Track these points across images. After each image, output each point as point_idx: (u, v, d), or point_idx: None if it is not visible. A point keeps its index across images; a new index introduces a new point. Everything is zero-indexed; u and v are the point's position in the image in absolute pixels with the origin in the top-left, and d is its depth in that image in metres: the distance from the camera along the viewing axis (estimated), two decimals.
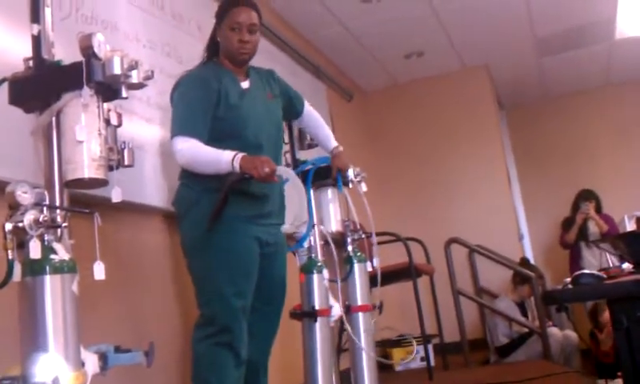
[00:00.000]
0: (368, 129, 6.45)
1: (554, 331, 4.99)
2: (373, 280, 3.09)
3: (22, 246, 1.34)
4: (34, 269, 1.34)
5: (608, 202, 6.24)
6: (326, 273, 2.65)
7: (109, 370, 1.45)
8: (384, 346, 5.18)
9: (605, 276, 2.96)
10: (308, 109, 2.80)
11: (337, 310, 2.69)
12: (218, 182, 2.25)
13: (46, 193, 1.41)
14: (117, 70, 1.50)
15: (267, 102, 2.54)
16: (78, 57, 1.50)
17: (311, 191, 2.71)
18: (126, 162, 1.61)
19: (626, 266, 3.19)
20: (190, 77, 2.43)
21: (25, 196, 1.35)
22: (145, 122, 2.75)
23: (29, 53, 1.53)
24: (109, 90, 1.53)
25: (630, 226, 6.21)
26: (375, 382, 2.91)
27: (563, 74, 6.88)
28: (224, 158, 2.23)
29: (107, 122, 1.56)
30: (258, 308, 2.45)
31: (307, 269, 2.64)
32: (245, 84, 2.50)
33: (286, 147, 2.86)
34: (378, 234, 2.86)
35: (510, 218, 6.31)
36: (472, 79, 6.40)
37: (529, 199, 7.40)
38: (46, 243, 1.36)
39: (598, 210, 6.11)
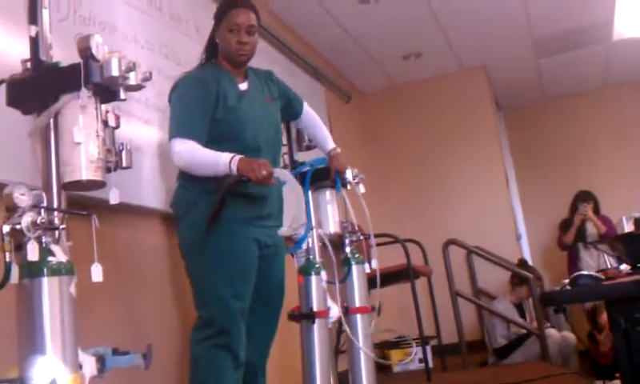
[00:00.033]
0: (366, 130, 6.45)
1: (552, 332, 4.99)
2: (371, 281, 3.09)
3: (19, 247, 1.34)
4: (32, 271, 1.33)
5: (606, 203, 6.24)
6: (324, 274, 2.66)
7: (106, 372, 1.45)
8: (382, 348, 5.18)
9: (603, 277, 2.96)
10: (307, 110, 2.80)
11: (335, 312, 2.69)
12: (216, 184, 2.25)
13: (43, 195, 1.40)
14: (115, 72, 1.49)
15: (265, 103, 2.54)
16: (76, 58, 1.49)
17: (309, 193, 2.71)
18: (124, 164, 1.61)
19: (624, 267, 3.20)
20: (188, 78, 2.43)
21: (22, 198, 1.35)
22: (143, 124, 2.75)
23: (26, 54, 1.52)
24: (107, 91, 1.53)
25: (628, 227, 6.22)
26: (373, 383, 2.91)
27: (561, 75, 6.89)
28: (222, 160, 2.23)
29: (105, 123, 1.56)
30: (256, 310, 2.44)
31: (305, 270, 2.64)
32: (243, 86, 2.50)
33: (284, 149, 2.86)
34: (375, 236, 2.86)
35: (508, 219, 6.32)
36: (470, 80, 6.41)
37: (527, 200, 7.41)
38: (43, 245, 1.36)
39: (596, 211, 6.11)
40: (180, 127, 2.32)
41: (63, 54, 1.56)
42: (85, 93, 1.47)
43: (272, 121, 2.54)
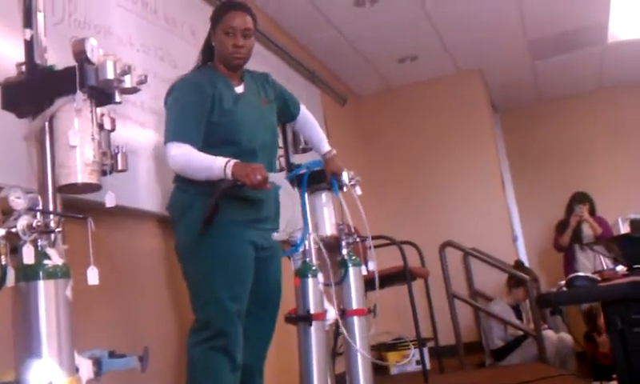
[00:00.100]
0: (362, 133, 6.46)
1: (549, 334, 4.99)
2: (368, 283, 3.09)
3: (15, 251, 1.33)
4: (28, 274, 1.33)
5: (602, 205, 6.26)
6: (320, 277, 2.65)
7: (103, 375, 1.45)
8: (379, 350, 5.18)
9: (599, 279, 2.97)
10: (303, 112, 2.80)
11: (332, 314, 2.69)
12: (212, 186, 2.25)
13: (39, 198, 1.40)
14: (110, 75, 1.49)
15: (262, 106, 2.54)
16: (71, 62, 1.49)
17: (306, 195, 2.71)
18: (120, 167, 1.61)
19: (620, 268, 3.21)
20: (184, 82, 2.43)
21: (18, 201, 1.35)
22: (139, 127, 2.75)
23: (21, 58, 1.52)
24: (102, 94, 1.53)
25: (624, 229, 6.22)
26: None
27: (556, 77, 6.91)
28: (216, 165, 2.23)
29: (100, 126, 1.55)
30: (253, 312, 2.44)
31: (302, 273, 2.63)
32: (239, 89, 2.50)
33: (280, 151, 2.86)
34: (372, 238, 2.86)
35: (505, 221, 6.33)
36: (466, 83, 6.42)
37: (523, 202, 7.42)
38: (39, 248, 1.35)
39: (592, 212, 6.12)
40: (175, 131, 2.33)
41: (58, 58, 1.56)
42: (80, 96, 1.46)
43: (268, 124, 2.54)
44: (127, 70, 1.52)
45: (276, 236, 2.33)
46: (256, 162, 2.32)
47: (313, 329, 2.58)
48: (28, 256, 1.32)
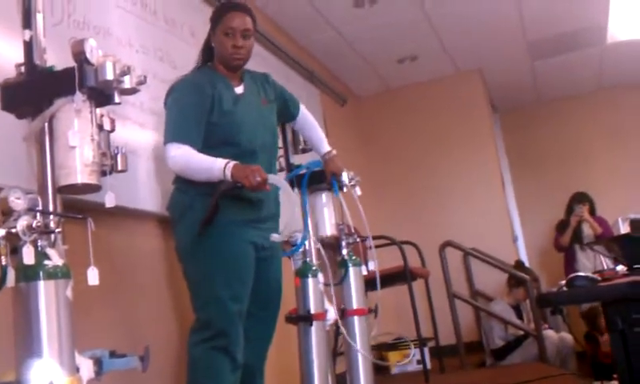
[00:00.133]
0: (362, 133, 6.46)
1: (549, 334, 5.00)
2: (368, 283, 3.09)
3: (15, 251, 1.34)
4: (28, 274, 1.33)
5: (602, 205, 6.26)
6: (321, 277, 2.66)
7: (104, 374, 1.45)
8: (380, 350, 5.18)
9: (599, 278, 2.97)
10: (303, 112, 2.80)
11: (332, 314, 2.70)
12: (212, 187, 2.25)
13: (39, 198, 1.40)
14: (109, 76, 1.50)
15: (261, 107, 2.54)
16: (71, 62, 1.50)
17: (306, 195, 2.71)
18: (120, 167, 1.61)
19: (620, 268, 3.20)
20: (183, 82, 2.43)
21: (18, 202, 1.35)
22: (138, 127, 2.75)
23: (21, 58, 1.52)
24: (101, 95, 1.53)
25: (624, 229, 6.22)
26: None
27: (556, 78, 6.91)
28: (216, 166, 2.23)
29: (100, 127, 1.56)
30: (253, 312, 2.44)
31: (302, 273, 2.64)
32: (239, 89, 2.50)
33: (280, 151, 2.86)
34: (372, 238, 2.86)
35: (505, 221, 6.33)
36: (465, 83, 6.42)
37: (523, 202, 7.42)
38: (39, 249, 1.36)
39: (592, 212, 6.12)
40: (175, 132, 2.33)
41: (57, 59, 1.56)
42: (79, 97, 1.47)
43: (268, 124, 2.54)
44: (126, 71, 1.53)
45: (275, 237, 2.32)
46: (256, 163, 2.32)
47: (313, 329, 2.59)
48: (28, 256, 1.32)
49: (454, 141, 6.32)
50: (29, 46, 1.51)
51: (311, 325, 2.59)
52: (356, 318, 2.92)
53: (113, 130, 1.60)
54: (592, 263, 5.78)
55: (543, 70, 6.65)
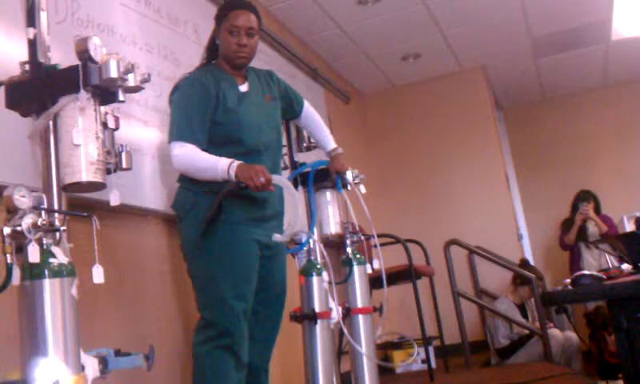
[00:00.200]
0: (366, 131, 6.46)
1: (554, 332, 4.98)
2: (372, 282, 3.08)
3: (20, 249, 1.34)
4: (33, 273, 1.33)
5: (607, 203, 6.24)
6: (325, 275, 2.65)
7: (109, 373, 1.45)
8: (385, 348, 5.17)
9: (604, 277, 2.96)
10: (307, 109, 2.79)
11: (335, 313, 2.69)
12: (216, 185, 2.25)
13: (44, 196, 1.40)
14: (113, 74, 1.49)
15: (266, 104, 2.53)
16: (75, 61, 1.50)
17: (312, 193, 2.71)
18: (124, 165, 1.61)
19: (626, 266, 3.19)
20: (188, 80, 2.42)
21: (23, 200, 1.35)
22: (142, 125, 2.74)
23: (25, 56, 1.52)
24: (106, 93, 1.53)
25: (629, 227, 6.22)
26: None
27: (560, 75, 6.89)
28: (220, 166, 2.22)
29: (104, 125, 1.56)
30: (258, 311, 2.44)
31: (307, 271, 2.64)
32: (243, 87, 2.49)
33: (284, 149, 2.86)
34: (377, 236, 2.86)
35: (509, 219, 6.31)
36: (469, 81, 6.40)
37: (527, 200, 7.40)
38: (44, 247, 1.36)
39: (597, 210, 6.10)
40: (179, 130, 2.32)
41: (61, 56, 1.56)
42: (84, 95, 1.47)
43: (272, 122, 2.54)
44: (130, 69, 1.53)
45: (277, 238, 2.31)
46: (260, 161, 2.31)
47: (318, 327, 2.58)
48: (33, 255, 1.32)
49: (458, 138, 6.30)
50: (33, 44, 1.51)
51: (316, 323, 2.58)
52: (361, 317, 2.92)
53: (117, 128, 1.61)
54: (597, 261, 5.76)
55: (547, 67, 6.63)
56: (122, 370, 1.47)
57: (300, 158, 2.95)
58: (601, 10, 5.38)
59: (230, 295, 2.28)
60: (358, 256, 3.00)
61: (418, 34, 5.38)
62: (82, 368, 1.37)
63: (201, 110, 2.34)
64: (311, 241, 2.66)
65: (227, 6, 2.47)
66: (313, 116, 2.81)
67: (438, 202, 6.24)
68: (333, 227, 2.89)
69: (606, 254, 5.09)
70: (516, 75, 6.78)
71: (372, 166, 6.01)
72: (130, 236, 2.65)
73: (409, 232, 4.94)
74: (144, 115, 2.76)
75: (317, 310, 2.60)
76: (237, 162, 2.21)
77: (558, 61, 6.48)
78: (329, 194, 2.89)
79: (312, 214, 2.64)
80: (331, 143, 2.77)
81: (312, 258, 2.67)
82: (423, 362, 4.67)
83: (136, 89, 1.57)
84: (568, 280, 3.04)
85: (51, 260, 1.35)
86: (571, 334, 5.13)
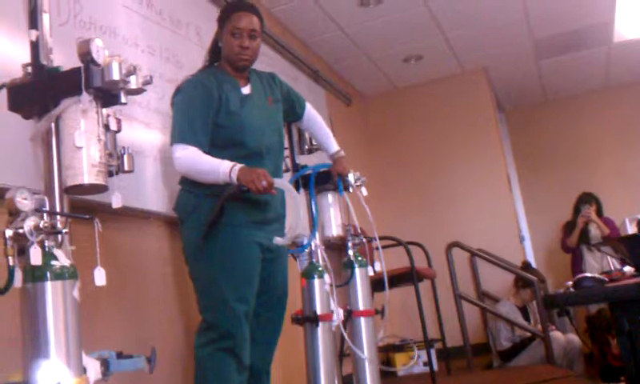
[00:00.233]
0: (367, 133, 6.45)
1: (556, 335, 4.97)
2: (373, 284, 3.08)
3: (22, 252, 1.34)
4: (35, 275, 1.33)
5: (609, 205, 6.23)
6: (327, 277, 2.65)
7: (111, 375, 1.45)
8: (386, 351, 5.17)
9: (606, 279, 2.95)
10: (309, 112, 2.79)
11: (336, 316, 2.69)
12: (218, 188, 2.25)
13: (46, 199, 1.40)
14: (115, 76, 1.50)
15: (268, 107, 2.53)
16: (77, 62, 1.50)
17: (314, 196, 2.70)
18: (126, 168, 1.61)
19: (628, 269, 3.19)
20: (190, 83, 2.42)
21: (25, 202, 1.35)
22: (144, 127, 2.74)
23: (27, 59, 1.52)
24: (108, 95, 1.53)
25: (631, 229, 6.20)
26: None
27: (562, 77, 6.88)
28: (222, 169, 2.22)
29: (106, 127, 1.56)
30: (259, 313, 2.44)
31: (308, 274, 2.63)
32: (245, 90, 2.49)
33: (286, 152, 2.85)
34: (378, 239, 2.85)
35: (511, 221, 6.30)
36: (471, 82, 6.40)
37: (529, 202, 7.39)
38: (46, 249, 1.35)
39: (599, 213, 6.09)
40: (181, 133, 2.32)
41: (64, 59, 1.56)
42: (86, 97, 1.47)
43: (274, 125, 2.53)
44: (133, 71, 1.53)
45: (278, 241, 2.31)
46: (262, 164, 2.31)
47: (319, 330, 2.58)
48: (35, 257, 1.32)
49: (459, 140, 6.29)
50: (35, 46, 1.51)
51: (317, 326, 2.58)
52: (362, 320, 2.91)
53: (119, 131, 1.61)
54: (599, 264, 5.75)
55: (549, 69, 6.63)
56: (123, 372, 1.47)
57: (302, 160, 2.95)
58: (603, 12, 5.38)
59: (232, 298, 2.28)
60: (359, 258, 3.00)
61: (419, 36, 5.38)
62: (84, 370, 1.37)
63: (203, 113, 2.34)
64: (313, 243, 2.65)
65: (230, 8, 2.47)
66: (315, 118, 2.81)
67: (439, 204, 6.24)
68: (334, 230, 2.88)
69: (608, 257, 5.09)
70: (518, 77, 6.77)
71: (373, 168, 6.00)
72: (132, 238, 2.65)
73: (410, 234, 4.93)
74: (146, 117, 2.76)
75: (318, 312, 2.59)
76: (239, 165, 2.21)
77: (560, 63, 6.47)
78: (330, 197, 2.88)
79: (314, 217, 2.63)
80: (333, 146, 2.77)
81: (314, 260, 2.67)
82: (425, 364, 4.67)
83: (138, 91, 1.57)
84: (570, 282, 3.04)
85: (53, 262, 1.35)
86: (573, 337, 5.12)
